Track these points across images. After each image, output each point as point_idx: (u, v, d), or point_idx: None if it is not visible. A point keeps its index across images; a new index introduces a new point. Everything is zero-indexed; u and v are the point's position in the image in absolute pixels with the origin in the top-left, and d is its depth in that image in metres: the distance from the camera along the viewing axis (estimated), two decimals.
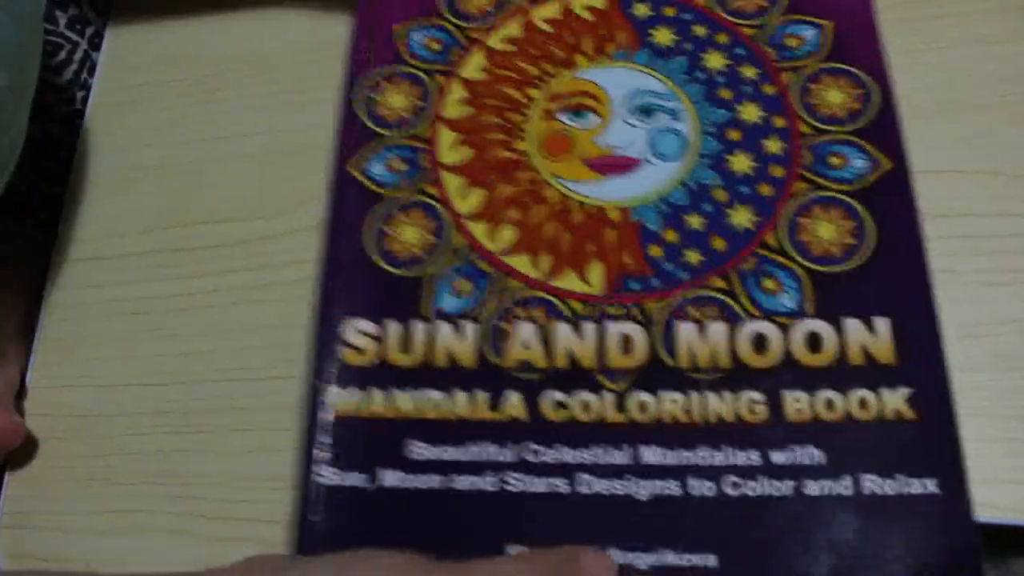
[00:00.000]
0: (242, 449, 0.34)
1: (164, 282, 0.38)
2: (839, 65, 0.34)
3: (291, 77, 0.41)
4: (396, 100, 0.35)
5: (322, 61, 0.39)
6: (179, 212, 0.39)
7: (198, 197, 0.40)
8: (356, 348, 0.32)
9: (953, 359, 0.30)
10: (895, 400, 0.29)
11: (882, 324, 0.30)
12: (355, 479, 0.30)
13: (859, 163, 0.33)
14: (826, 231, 0.32)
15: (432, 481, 0.30)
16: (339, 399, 0.31)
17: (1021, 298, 0.31)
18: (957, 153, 0.34)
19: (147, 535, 0.34)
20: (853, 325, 0.30)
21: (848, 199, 0.32)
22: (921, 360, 0.29)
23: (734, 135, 0.33)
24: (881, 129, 0.33)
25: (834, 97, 0.34)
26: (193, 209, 0.39)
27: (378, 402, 0.31)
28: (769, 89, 0.34)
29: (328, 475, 0.30)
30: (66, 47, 0.43)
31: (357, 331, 0.32)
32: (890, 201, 0.32)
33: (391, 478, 0.30)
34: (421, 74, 0.36)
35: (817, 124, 0.33)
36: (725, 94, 0.34)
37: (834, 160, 0.33)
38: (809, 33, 0.35)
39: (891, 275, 0.31)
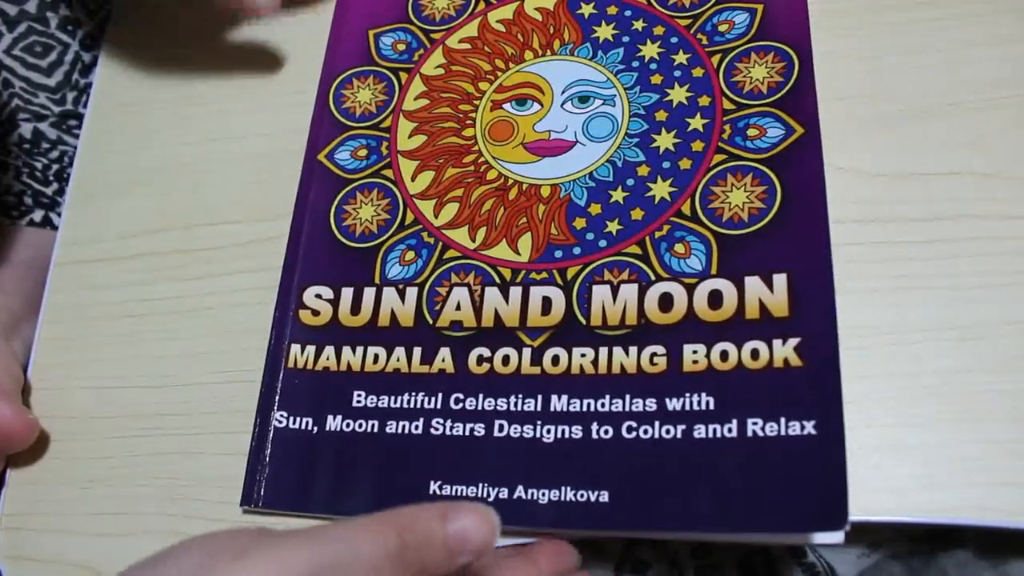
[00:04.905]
0: (241, 451, 0.34)
1: (164, 284, 0.39)
2: (766, 42, 0.36)
3: (292, 79, 0.42)
4: (364, 96, 0.40)
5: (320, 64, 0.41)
6: (179, 214, 0.40)
7: (198, 199, 0.40)
8: (313, 311, 0.36)
9: (953, 361, 0.30)
10: (785, 349, 0.30)
11: (779, 280, 0.31)
12: (304, 423, 0.34)
13: (774, 132, 0.34)
14: (737, 197, 0.33)
15: (369, 426, 0.33)
16: (295, 354, 0.35)
17: (1021, 300, 0.31)
18: (956, 156, 0.33)
19: (147, 536, 0.34)
20: (752, 282, 0.32)
21: (761, 166, 0.34)
22: (812, 311, 0.30)
23: (661, 116, 0.36)
24: (798, 98, 0.34)
25: (758, 73, 0.35)
26: (193, 211, 0.40)
27: (329, 357, 0.35)
28: (698, 72, 0.36)
29: (281, 419, 0.34)
30: (57, 48, 0.43)
31: (315, 296, 0.36)
32: (798, 164, 0.33)
33: (334, 423, 0.34)
34: (387, 72, 0.40)
35: (740, 100, 0.35)
36: (656, 79, 0.37)
37: (752, 132, 0.34)
38: (740, 17, 0.37)
39: (792, 233, 0.32)
